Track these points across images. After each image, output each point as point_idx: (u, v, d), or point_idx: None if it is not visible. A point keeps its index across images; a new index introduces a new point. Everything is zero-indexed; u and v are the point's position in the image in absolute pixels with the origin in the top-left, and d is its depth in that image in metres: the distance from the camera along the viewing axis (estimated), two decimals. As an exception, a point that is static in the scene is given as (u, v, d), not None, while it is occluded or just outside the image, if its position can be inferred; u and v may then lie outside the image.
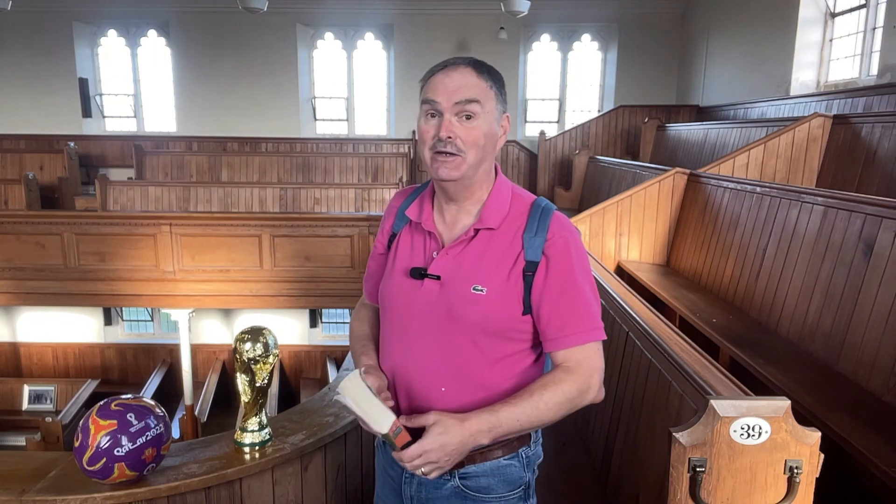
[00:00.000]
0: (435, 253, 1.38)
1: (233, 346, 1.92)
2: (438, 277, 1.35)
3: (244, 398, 1.94)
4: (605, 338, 1.37)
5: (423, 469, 1.23)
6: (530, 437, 1.42)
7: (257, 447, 1.95)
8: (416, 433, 1.27)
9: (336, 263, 6.24)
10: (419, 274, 1.36)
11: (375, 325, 1.55)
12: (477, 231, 1.35)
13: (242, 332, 1.92)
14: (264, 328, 1.93)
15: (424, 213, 1.41)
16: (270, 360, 1.91)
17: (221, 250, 6.18)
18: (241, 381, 1.92)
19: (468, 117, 1.29)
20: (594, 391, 1.34)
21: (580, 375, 1.31)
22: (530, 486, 1.44)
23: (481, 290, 1.31)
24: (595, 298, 1.36)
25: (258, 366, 1.90)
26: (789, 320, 3.26)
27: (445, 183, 1.34)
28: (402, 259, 1.42)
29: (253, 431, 1.96)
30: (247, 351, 1.88)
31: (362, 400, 1.26)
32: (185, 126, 11.01)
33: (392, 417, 1.24)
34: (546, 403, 1.28)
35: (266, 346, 1.90)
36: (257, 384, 1.92)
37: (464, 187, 1.36)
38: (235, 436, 1.97)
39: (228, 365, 8.81)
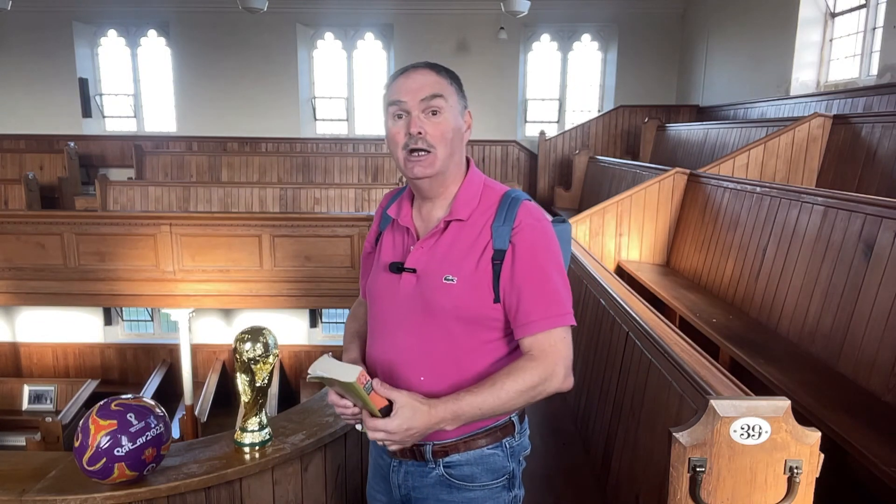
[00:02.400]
0: (412, 247, 1.43)
1: (233, 346, 1.92)
2: (414, 270, 1.40)
3: (244, 398, 1.94)
4: (574, 324, 1.37)
5: (383, 442, 1.28)
6: (514, 428, 1.45)
7: (257, 447, 1.94)
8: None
9: (336, 263, 6.24)
10: (397, 268, 1.42)
11: (366, 323, 1.58)
12: (448, 223, 1.40)
13: (242, 332, 1.91)
14: (264, 328, 1.93)
15: (403, 211, 1.47)
16: (270, 360, 1.91)
17: (221, 250, 6.18)
18: (241, 381, 1.92)
19: (434, 113, 1.35)
20: (559, 379, 1.34)
21: (544, 363, 1.32)
22: (514, 475, 1.47)
23: (452, 280, 1.35)
24: (564, 286, 1.38)
25: (258, 366, 1.89)
26: (789, 320, 3.26)
27: (420, 181, 1.39)
28: (385, 256, 1.48)
29: (253, 431, 1.95)
30: (247, 351, 1.88)
31: (331, 366, 1.30)
32: (185, 126, 11.01)
33: (359, 369, 1.26)
34: (507, 392, 1.29)
35: (266, 346, 1.90)
36: (257, 384, 1.91)
37: (437, 184, 1.41)
38: (235, 436, 1.96)
39: (228, 365, 8.81)
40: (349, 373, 1.26)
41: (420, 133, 1.33)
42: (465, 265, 1.35)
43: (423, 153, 1.34)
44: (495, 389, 1.29)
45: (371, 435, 1.28)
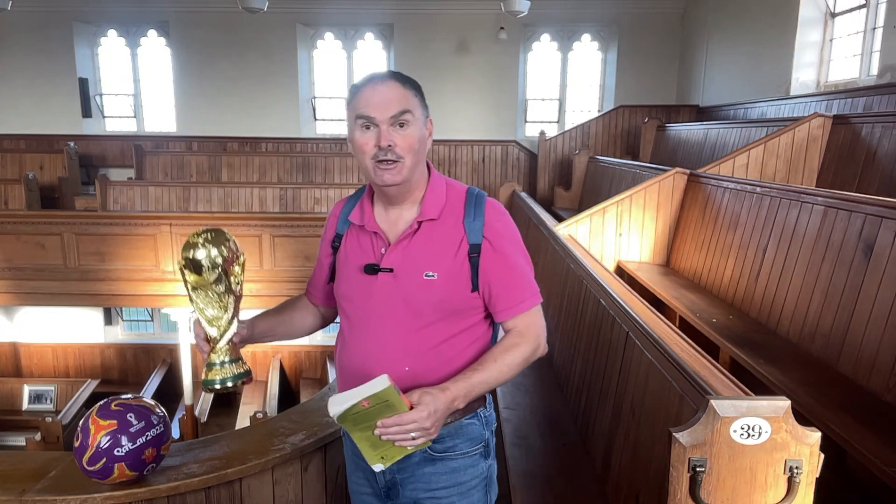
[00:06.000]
0: (383, 249, 1.51)
1: (183, 258, 1.48)
2: (391, 270, 1.48)
3: (222, 313, 1.53)
4: (542, 300, 1.56)
5: (413, 435, 1.33)
6: (485, 398, 1.57)
7: (230, 382, 1.54)
8: None
9: (336, 263, 6.24)
10: (372, 269, 1.49)
11: (290, 308, 1.75)
12: (420, 223, 1.49)
13: (195, 237, 1.48)
14: (219, 228, 1.56)
15: (366, 216, 1.54)
16: (242, 258, 1.56)
17: (221, 250, 6.17)
18: (211, 294, 1.51)
19: (401, 125, 1.42)
20: (542, 349, 1.53)
21: (531, 337, 1.50)
22: (489, 444, 1.59)
23: (433, 276, 1.45)
24: (530, 267, 1.55)
25: (232, 267, 1.52)
26: (789, 320, 3.26)
27: (389, 188, 1.46)
28: (354, 258, 1.54)
29: (234, 362, 1.55)
30: (214, 256, 1.47)
31: (350, 395, 1.30)
32: (185, 126, 11.01)
33: (384, 376, 1.29)
34: (509, 365, 1.46)
35: (234, 242, 1.54)
36: (234, 288, 1.54)
37: (405, 190, 1.49)
38: (209, 375, 1.55)
39: (228, 365, 8.79)
40: (379, 382, 1.28)
41: (390, 145, 1.41)
42: (444, 261, 1.46)
43: (391, 163, 1.42)
44: (498, 365, 1.45)
45: (401, 430, 1.31)
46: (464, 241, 1.47)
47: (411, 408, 1.32)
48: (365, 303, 1.51)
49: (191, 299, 1.52)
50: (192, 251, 1.46)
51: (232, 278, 1.53)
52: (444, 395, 1.36)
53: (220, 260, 1.48)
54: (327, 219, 1.67)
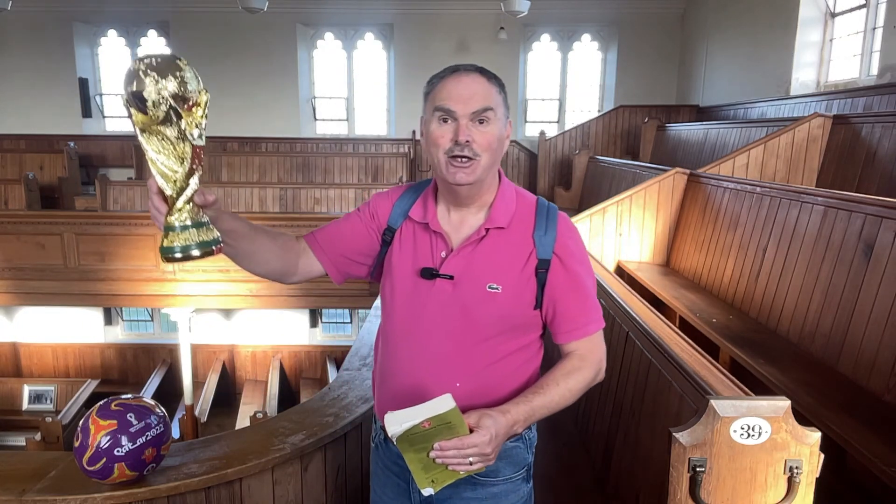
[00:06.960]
0: (443, 253, 1.39)
1: (128, 91, 1.12)
2: (451, 277, 1.37)
3: (178, 166, 1.21)
4: (604, 324, 1.48)
5: (471, 460, 1.22)
6: None
7: (195, 250, 1.26)
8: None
9: (336, 263, 6.24)
10: (430, 274, 1.38)
11: (268, 235, 1.47)
12: (487, 230, 1.38)
13: (137, 63, 1.12)
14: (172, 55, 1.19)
15: (429, 214, 1.42)
16: (204, 97, 1.20)
17: (221, 250, 6.18)
18: (163, 141, 1.18)
19: (481, 121, 1.32)
20: (602, 374, 1.44)
21: (593, 362, 1.41)
22: (531, 467, 1.49)
23: (497, 289, 1.35)
24: (595, 289, 1.46)
25: (188, 110, 1.16)
26: (789, 320, 3.26)
27: (460, 187, 1.35)
28: (406, 259, 1.42)
29: (199, 227, 1.27)
30: (159, 89, 1.12)
31: (411, 413, 1.21)
32: (185, 126, 11.00)
33: (447, 395, 1.20)
34: (570, 390, 1.36)
35: (193, 74, 1.20)
36: (191, 134, 1.18)
37: (475, 191, 1.38)
38: (166, 241, 1.29)
39: (228, 365, 8.81)
40: (443, 402, 1.18)
41: (468, 141, 1.30)
42: (510, 274, 1.36)
43: (466, 160, 1.31)
44: (559, 389, 1.35)
45: (460, 454, 1.21)
46: (532, 254, 1.37)
47: (471, 430, 1.22)
48: (417, 309, 1.39)
49: (141, 146, 1.22)
50: (132, 82, 1.12)
51: (189, 121, 1.17)
52: (504, 419, 1.25)
53: (166, 94, 1.13)
54: (374, 200, 1.51)
